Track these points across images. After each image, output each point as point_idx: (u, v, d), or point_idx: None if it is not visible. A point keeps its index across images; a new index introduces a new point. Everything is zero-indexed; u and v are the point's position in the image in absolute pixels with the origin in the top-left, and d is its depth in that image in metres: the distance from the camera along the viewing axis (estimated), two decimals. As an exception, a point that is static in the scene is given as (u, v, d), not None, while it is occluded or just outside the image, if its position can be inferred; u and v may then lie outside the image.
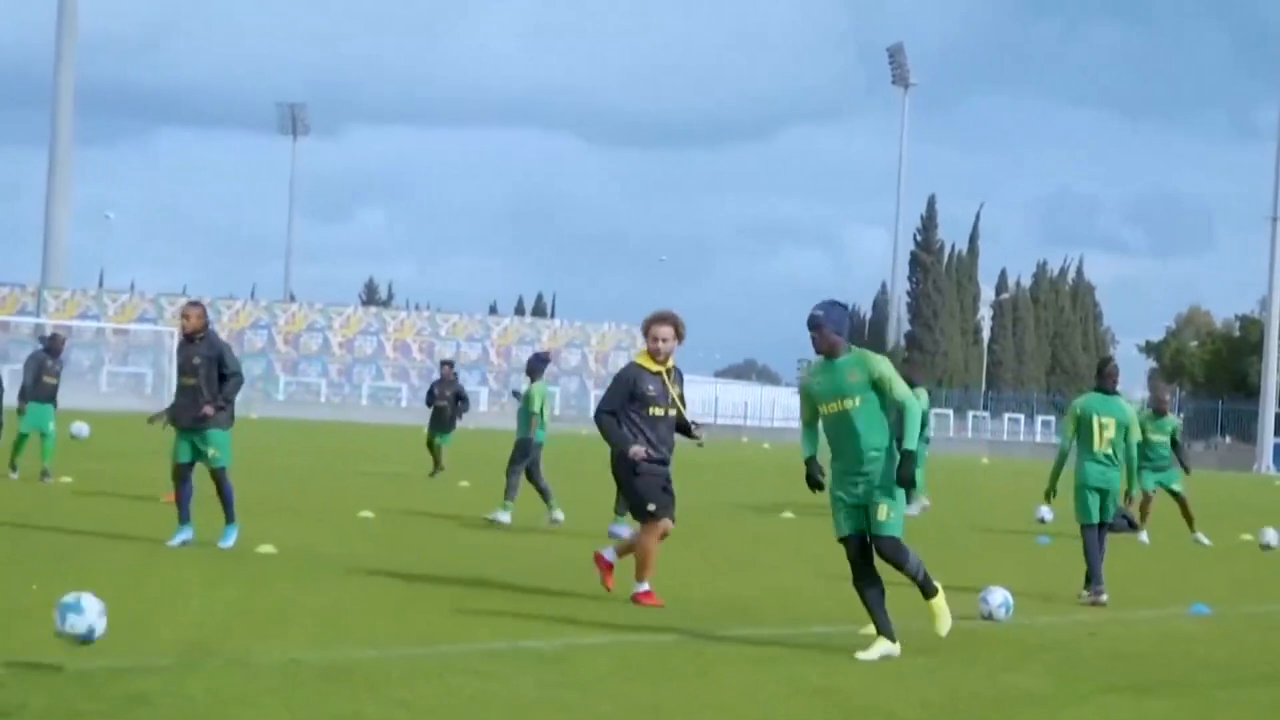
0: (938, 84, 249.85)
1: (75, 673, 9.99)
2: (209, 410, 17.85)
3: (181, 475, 18.05)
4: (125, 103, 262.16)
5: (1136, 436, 17.32)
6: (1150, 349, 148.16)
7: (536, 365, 24.56)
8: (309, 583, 15.30)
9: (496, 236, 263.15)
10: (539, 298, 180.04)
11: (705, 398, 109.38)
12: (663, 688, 10.69)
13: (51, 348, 29.27)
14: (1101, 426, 17.18)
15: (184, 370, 18.16)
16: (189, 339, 18.18)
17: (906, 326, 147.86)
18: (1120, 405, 17.35)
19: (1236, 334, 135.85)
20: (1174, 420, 26.59)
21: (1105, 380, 17.52)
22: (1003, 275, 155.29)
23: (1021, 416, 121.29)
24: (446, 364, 36.53)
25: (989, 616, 14.89)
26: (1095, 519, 17.18)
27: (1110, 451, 17.14)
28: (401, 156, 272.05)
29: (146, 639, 11.57)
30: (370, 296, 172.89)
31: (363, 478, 22.61)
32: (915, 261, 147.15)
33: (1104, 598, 16.80)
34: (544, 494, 23.87)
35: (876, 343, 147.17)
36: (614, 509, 21.54)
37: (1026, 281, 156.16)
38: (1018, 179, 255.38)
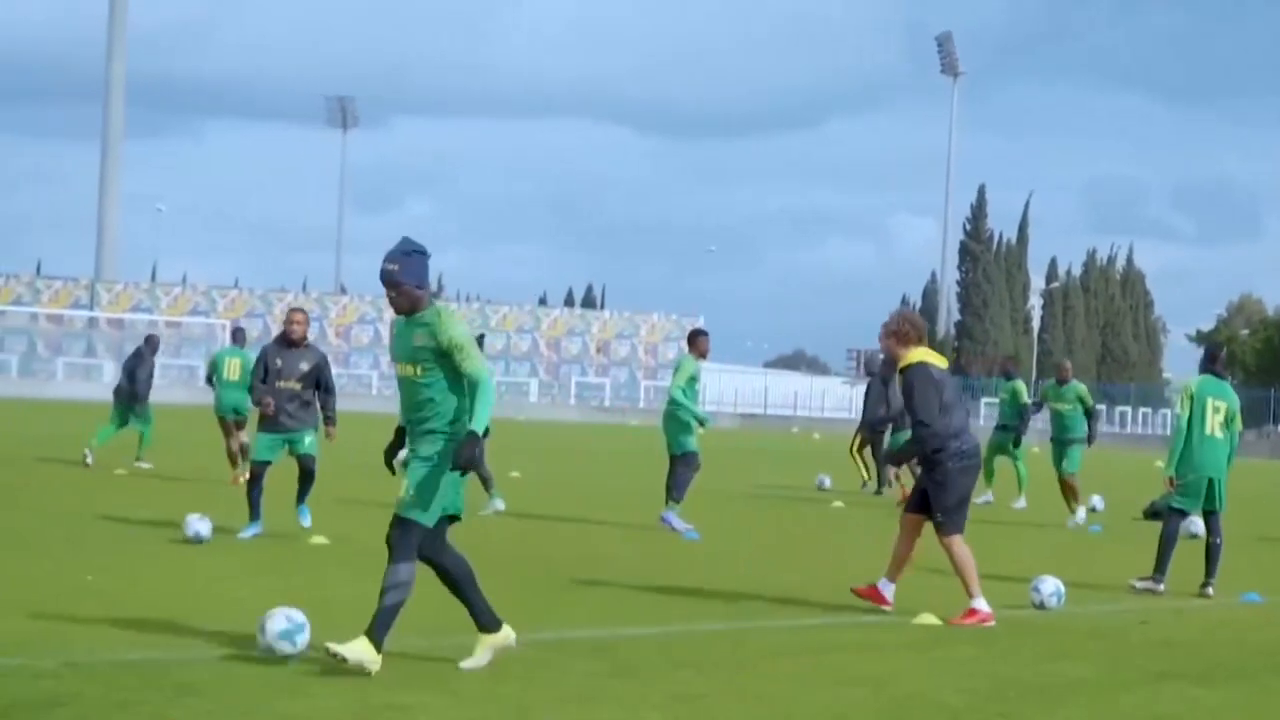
0: (986, 72, 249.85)
1: (127, 663, 10.05)
2: (334, 433, 19.19)
3: (259, 474, 18.40)
4: (176, 96, 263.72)
5: (1239, 426, 17.05)
6: (1201, 338, 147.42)
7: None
8: (358, 573, 15.34)
9: (544, 227, 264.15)
10: (589, 289, 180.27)
11: (755, 388, 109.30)
12: (709, 677, 10.70)
13: (151, 346, 30.87)
14: (1215, 410, 16.77)
15: (287, 374, 18.41)
16: (293, 343, 18.49)
17: (956, 316, 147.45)
18: (1231, 390, 17.07)
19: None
20: (1077, 387, 26.75)
21: (1217, 364, 17.07)
22: (1053, 264, 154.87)
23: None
24: None
25: (1041, 605, 14.87)
26: (1197, 506, 16.81)
27: (1220, 436, 16.82)
28: (449, 148, 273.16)
29: (197, 629, 11.63)
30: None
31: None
32: (965, 251, 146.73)
33: (1162, 588, 16.68)
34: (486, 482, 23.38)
35: (927, 332, 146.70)
36: (666, 498, 21.45)
37: (1077, 270, 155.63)
38: (1066, 167, 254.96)
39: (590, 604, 13.95)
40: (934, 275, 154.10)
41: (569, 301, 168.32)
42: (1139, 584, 16.82)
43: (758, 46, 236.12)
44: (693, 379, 21.42)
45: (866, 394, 32.80)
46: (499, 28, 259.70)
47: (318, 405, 18.77)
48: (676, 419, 21.21)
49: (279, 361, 18.43)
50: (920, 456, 14.16)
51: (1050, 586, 15.02)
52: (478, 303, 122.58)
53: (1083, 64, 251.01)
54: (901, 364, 14.11)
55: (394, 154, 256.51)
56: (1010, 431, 29.67)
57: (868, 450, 32.42)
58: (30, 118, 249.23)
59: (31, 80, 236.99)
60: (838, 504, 28.00)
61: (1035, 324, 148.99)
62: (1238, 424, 16.95)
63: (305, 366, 18.44)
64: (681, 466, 21.21)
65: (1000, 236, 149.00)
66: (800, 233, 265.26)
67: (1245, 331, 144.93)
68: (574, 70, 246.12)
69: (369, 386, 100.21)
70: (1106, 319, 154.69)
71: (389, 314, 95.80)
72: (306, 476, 18.88)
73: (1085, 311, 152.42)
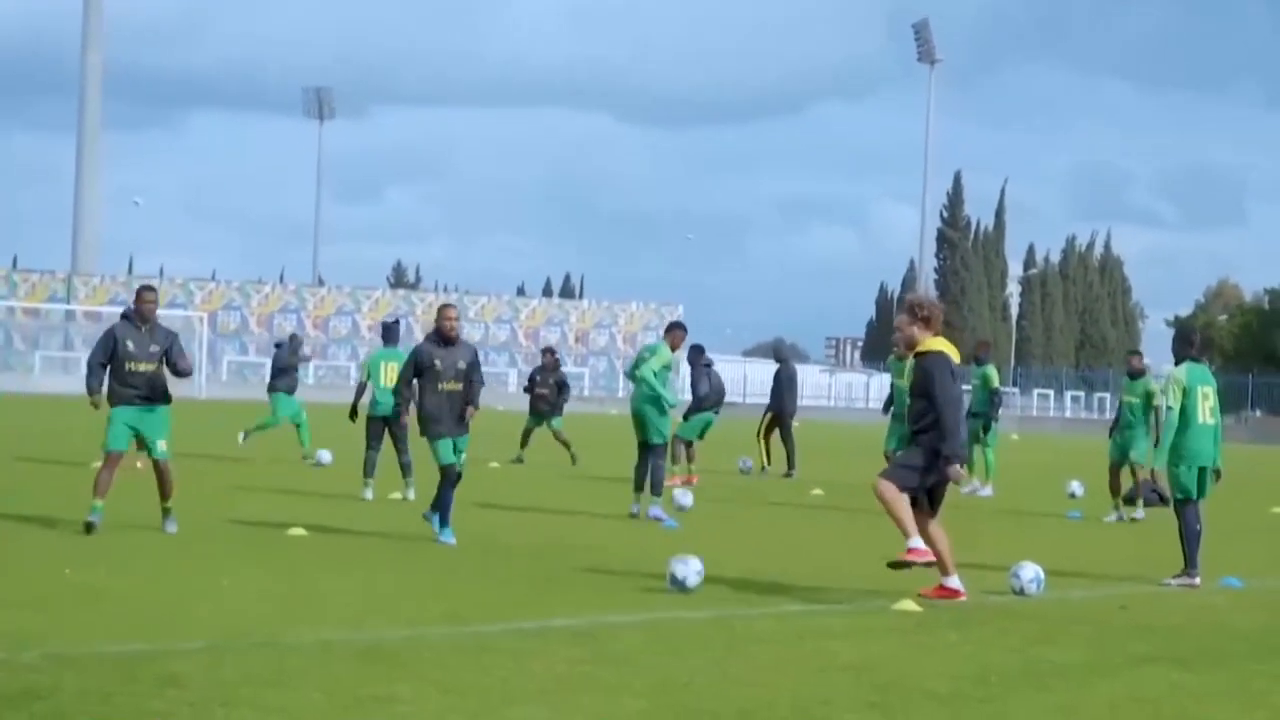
0: (965, 59, 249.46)
1: (108, 655, 10.02)
2: (473, 412, 17.79)
3: (453, 476, 17.67)
4: (153, 88, 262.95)
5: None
6: (1179, 323, 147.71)
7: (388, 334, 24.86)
8: (340, 565, 15.34)
9: (526, 217, 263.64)
10: (567, 278, 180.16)
11: (734, 376, 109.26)
12: (694, 663, 10.70)
13: (293, 346, 31.77)
14: (1204, 397, 16.63)
15: (448, 376, 17.54)
16: (448, 341, 17.67)
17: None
18: (1212, 375, 17.00)
19: (1266, 307, 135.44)
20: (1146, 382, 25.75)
21: (1195, 349, 16.87)
22: (1030, 251, 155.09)
23: (1051, 392, 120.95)
24: (549, 351, 36.04)
25: (1020, 591, 14.88)
26: (1196, 494, 16.61)
27: (1211, 422, 16.68)
28: (430, 138, 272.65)
29: (179, 622, 11.61)
30: (398, 279, 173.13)
31: (394, 461, 22.70)
32: (942, 238, 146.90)
33: (1197, 580, 16.42)
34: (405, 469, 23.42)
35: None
36: (641, 491, 21.40)
37: (1055, 257, 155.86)
38: (1046, 154, 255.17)
39: (572, 592, 13.94)
40: (912, 263, 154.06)
41: (547, 291, 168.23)
42: (1174, 581, 16.42)
43: (740, 37, 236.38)
44: (666, 366, 21.50)
45: (778, 380, 33.09)
46: (483, 16, 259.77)
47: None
48: (656, 406, 21.15)
49: (437, 362, 17.52)
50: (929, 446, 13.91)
51: (1030, 573, 15.02)
52: (455, 292, 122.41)
53: (1061, 50, 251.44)
54: (920, 348, 14.01)
55: (375, 144, 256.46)
56: (980, 418, 29.45)
57: (775, 435, 32.82)
58: (6, 110, 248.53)
59: (7, 72, 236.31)
60: (817, 491, 28.01)
61: (1014, 311, 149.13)
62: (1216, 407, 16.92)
63: (463, 365, 17.58)
64: (657, 458, 21.17)
65: (978, 224, 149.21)
66: (781, 221, 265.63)
67: (1223, 317, 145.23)
68: (556, 59, 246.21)
69: (347, 378, 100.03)
70: (1085, 305, 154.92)
71: (366, 305, 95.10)
72: (450, 487, 17.80)
73: (1063, 298, 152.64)
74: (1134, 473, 25.47)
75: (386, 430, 23.48)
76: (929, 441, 13.85)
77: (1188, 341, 17.03)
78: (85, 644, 10.42)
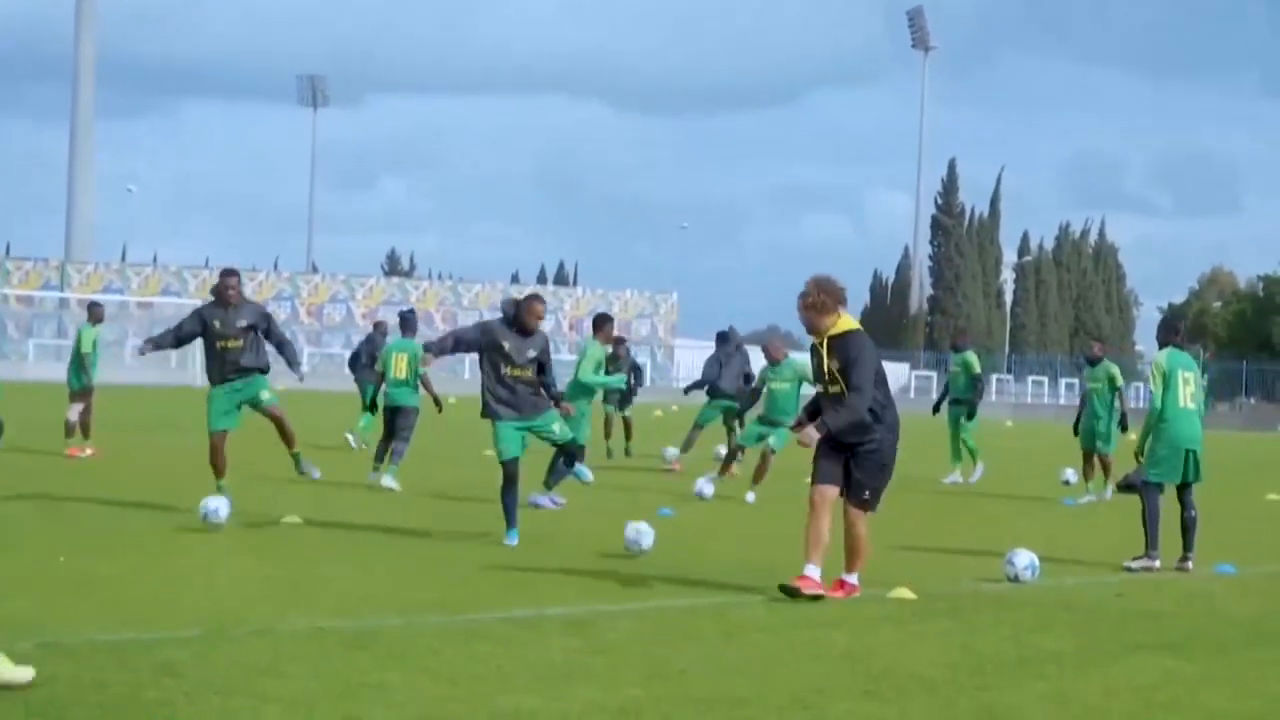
0: (960, 46, 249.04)
1: (103, 644, 10.03)
2: (569, 408, 17.48)
3: (513, 474, 16.91)
4: (146, 76, 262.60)
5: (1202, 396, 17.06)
6: (1174, 311, 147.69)
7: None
8: (334, 553, 15.35)
9: (520, 205, 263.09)
10: (561, 266, 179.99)
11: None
12: (688, 652, 10.71)
13: (380, 331, 31.87)
14: (1185, 382, 16.70)
15: (519, 362, 16.85)
16: (527, 332, 16.99)
17: (929, 291, 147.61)
18: (1195, 361, 17.06)
19: (1260, 294, 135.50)
20: (796, 364, 23.91)
21: (1179, 336, 17.01)
22: (1025, 238, 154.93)
23: (1045, 379, 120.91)
24: (619, 340, 35.00)
25: (1015, 579, 14.90)
26: (1175, 478, 16.71)
27: (1193, 407, 16.72)
28: (424, 126, 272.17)
29: (174, 610, 11.62)
30: (393, 267, 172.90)
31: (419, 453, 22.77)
32: (937, 225, 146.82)
33: (1157, 564, 16.57)
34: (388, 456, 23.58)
35: (900, 307, 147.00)
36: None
37: (1049, 244, 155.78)
38: (1040, 141, 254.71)
39: (567, 581, 13.94)
40: (907, 250, 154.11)
41: (542, 279, 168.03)
42: (1134, 564, 16.59)
43: (734, 23, 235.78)
44: (599, 365, 21.86)
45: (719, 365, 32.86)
46: (477, 3, 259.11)
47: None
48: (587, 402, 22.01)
49: (505, 344, 16.81)
50: (850, 429, 13.33)
51: (1024, 559, 15.04)
52: (450, 280, 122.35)
53: (1055, 37, 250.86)
54: (833, 331, 13.35)
55: (369, 132, 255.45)
56: (963, 405, 29.40)
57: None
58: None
59: (0, 60, 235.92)
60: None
61: (1008, 298, 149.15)
62: (1202, 394, 16.99)
63: (532, 353, 16.90)
64: (568, 456, 20.64)
65: (972, 211, 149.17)
66: (776, 209, 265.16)
67: (1218, 304, 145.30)
68: (550, 47, 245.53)
69: (342, 366, 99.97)
70: (1079, 292, 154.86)
71: (360, 292, 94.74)
72: (569, 460, 18.36)
73: (1057, 285, 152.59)
74: (1102, 460, 25.73)
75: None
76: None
77: (1172, 329, 17.18)
78: (79, 632, 10.42)
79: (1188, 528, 16.84)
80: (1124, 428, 26.03)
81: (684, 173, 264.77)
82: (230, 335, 18.56)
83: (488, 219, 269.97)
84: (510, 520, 16.78)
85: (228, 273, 18.96)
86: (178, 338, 18.99)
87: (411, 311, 25.42)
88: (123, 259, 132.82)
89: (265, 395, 18.65)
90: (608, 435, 33.61)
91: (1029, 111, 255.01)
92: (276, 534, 16.79)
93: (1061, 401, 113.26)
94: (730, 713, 9.00)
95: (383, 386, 24.01)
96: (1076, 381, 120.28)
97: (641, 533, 15.74)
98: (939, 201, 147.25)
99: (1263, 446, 57.60)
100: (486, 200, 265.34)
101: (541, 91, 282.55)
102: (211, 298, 19.09)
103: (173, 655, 9.78)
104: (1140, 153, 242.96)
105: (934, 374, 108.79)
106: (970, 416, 29.14)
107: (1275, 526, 23.08)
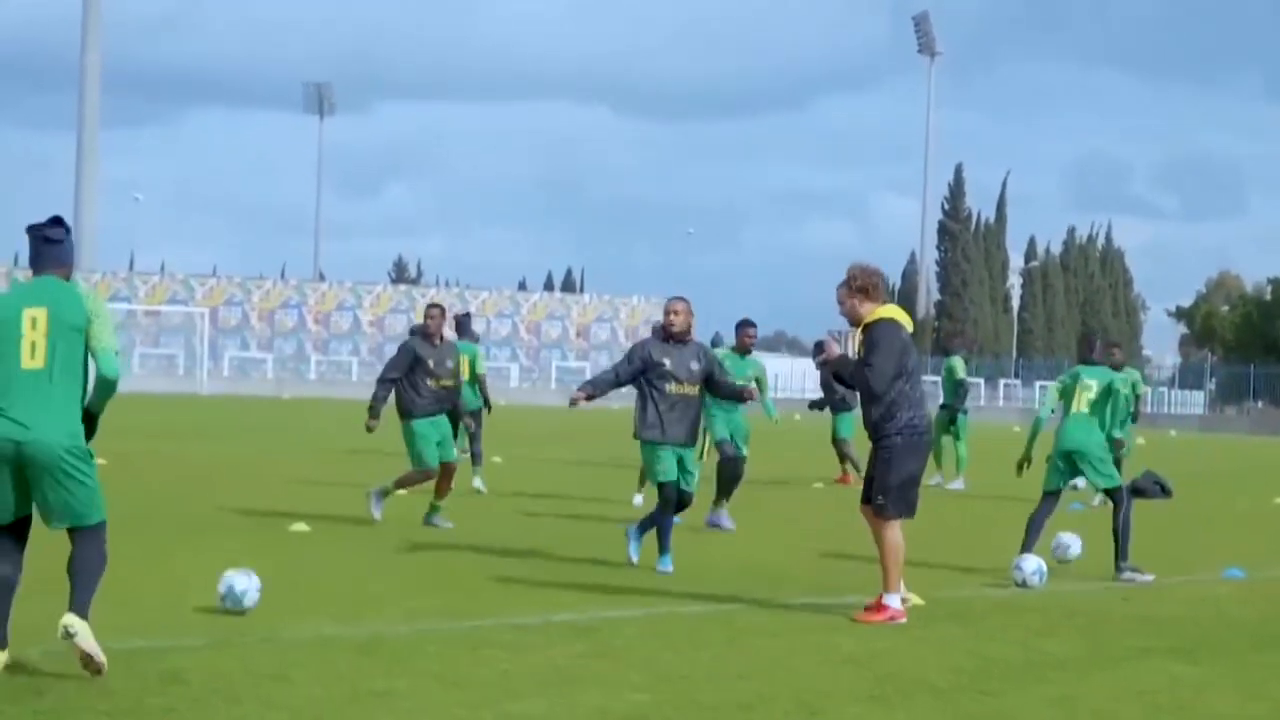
0: (965, 51, 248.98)
1: (110, 651, 10.02)
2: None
3: (671, 498, 15.56)
4: (152, 83, 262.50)
5: (1125, 402, 17.07)
6: (1180, 314, 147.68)
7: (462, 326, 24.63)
8: (341, 559, 15.36)
9: (526, 211, 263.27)
10: (568, 272, 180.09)
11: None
12: (693, 657, 10.72)
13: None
14: (1085, 389, 16.61)
15: (681, 378, 15.49)
16: (678, 339, 15.63)
17: (936, 296, 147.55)
18: (1109, 373, 16.98)
19: (1267, 297, 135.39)
20: (757, 363, 22.14)
21: (1094, 352, 17.21)
22: (1031, 242, 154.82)
23: (1052, 384, 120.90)
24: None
25: (1023, 584, 14.91)
26: (1061, 482, 16.43)
27: (1086, 411, 16.53)
28: (430, 132, 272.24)
29: (180, 617, 11.63)
30: (400, 274, 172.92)
31: (394, 457, 22.68)
32: (943, 230, 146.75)
33: (1132, 574, 16.17)
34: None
35: (907, 312, 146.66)
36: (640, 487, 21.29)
37: (1056, 248, 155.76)
38: (1047, 145, 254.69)
39: (572, 586, 13.95)
40: (913, 255, 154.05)
41: (549, 285, 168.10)
42: (1135, 576, 16.16)
43: (740, 28, 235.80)
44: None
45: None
46: (481, 9, 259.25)
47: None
48: None
49: (666, 362, 15.45)
50: (866, 419, 13.08)
51: (1032, 565, 15.05)
52: (457, 287, 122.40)
53: (1061, 41, 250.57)
54: (869, 318, 12.98)
55: (375, 139, 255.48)
56: (946, 410, 29.40)
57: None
58: (5, 106, 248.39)
59: (7, 69, 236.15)
60: (817, 485, 28.03)
61: (1015, 303, 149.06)
62: (1121, 400, 16.86)
63: (695, 366, 15.56)
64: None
65: (979, 215, 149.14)
66: (783, 213, 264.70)
67: (1225, 308, 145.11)
68: (554, 52, 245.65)
69: (349, 373, 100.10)
70: (1086, 297, 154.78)
71: (367, 300, 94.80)
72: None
73: (1065, 290, 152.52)
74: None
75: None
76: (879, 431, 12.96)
77: (1088, 346, 17.36)
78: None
79: (1118, 535, 16.33)
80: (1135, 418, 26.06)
81: (689, 178, 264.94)
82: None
83: (493, 224, 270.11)
84: (663, 545, 15.63)
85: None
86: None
87: (468, 315, 25.45)
88: (130, 267, 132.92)
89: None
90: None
91: (1034, 115, 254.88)
92: (283, 540, 16.79)
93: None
94: (735, 717, 9.01)
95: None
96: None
97: (1032, 571, 15.13)
98: (945, 206, 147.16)
99: (1271, 451, 57.52)
100: (492, 206, 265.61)
101: (546, 96, 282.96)
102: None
103: (180, 662, 9.79)
104: (1146, 156, 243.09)
105: (939, 379, 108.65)
106: (953, 421, 29.07)
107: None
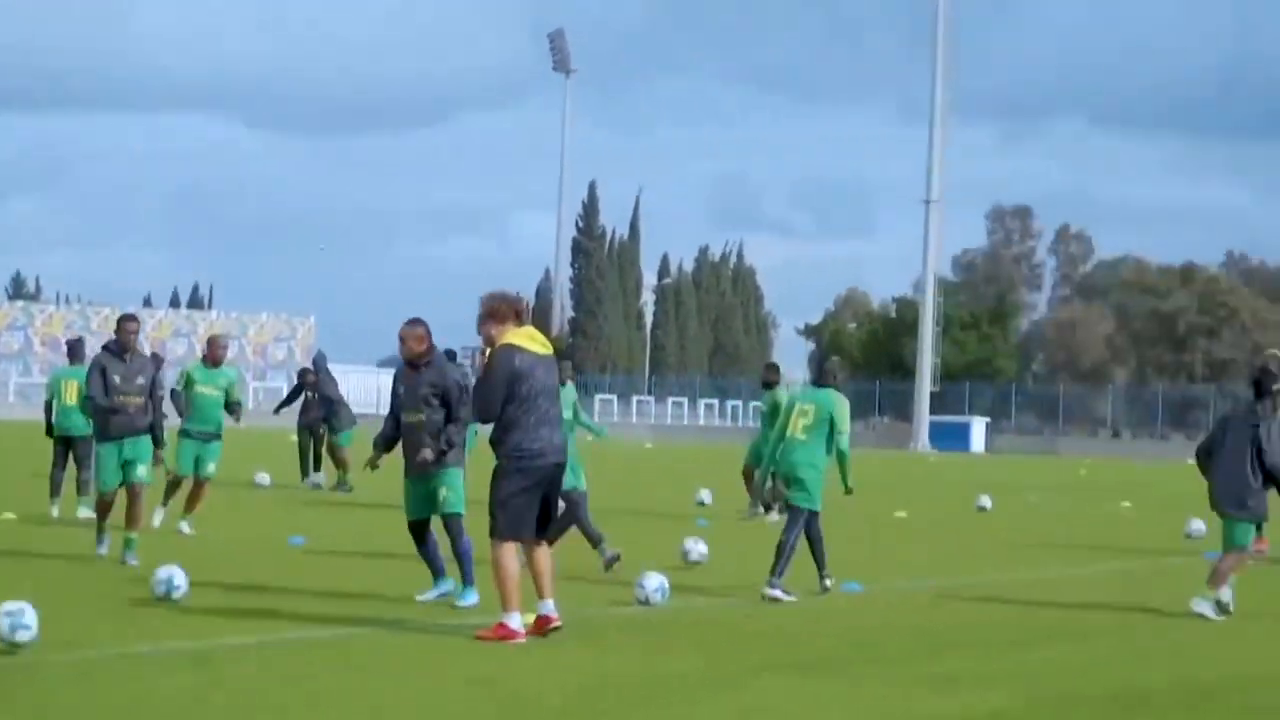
0: (602, 68, 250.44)
1: None
2: (429, 455, 14.73)
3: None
4: None
5: (839, 426, 17.12)
6: (810, 331, 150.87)
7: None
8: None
9: (156, 226, 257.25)
10: (195, 289, 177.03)
11: (368, 387, 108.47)
12: (306, 686, 10.51)
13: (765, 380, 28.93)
14: (801, 414, 16.59)
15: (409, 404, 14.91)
16: (411, 364, 14.96)
17: (570, 313, 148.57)
18: (829, 396, 16.69)
19: (893, 315, 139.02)
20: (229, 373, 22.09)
21: (825, 377, 17.07)
22: (664, 260, 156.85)
23: (685, 400, 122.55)
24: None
25: (645, 601, 14.94)
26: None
27: (803, 436, 16.52)
28: (53, 145, 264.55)
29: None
30: (17, 290, 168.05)
31: (5, 478, 22.01)
32: (578, 247, 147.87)
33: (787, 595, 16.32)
34: None
35: (540, 329, 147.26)
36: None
37: (689, 266, 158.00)
38: (682, 163, 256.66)
39: (190, 614, 13.58)
40: (548, 272, 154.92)
41: (174, 302, 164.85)
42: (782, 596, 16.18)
43: (378, 43, 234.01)
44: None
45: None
46: (113, 19, 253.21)
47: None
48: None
49: (401, 390, 14.96)
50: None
51: (654, 582, 15.09)
52: (79, 304, 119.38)
53: (702, 61, 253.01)
54: (497, 343, 13.08)
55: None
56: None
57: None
58: None
59: None
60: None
61: (648, 320, 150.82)
62: (837, 425, 16.60)
63: (424, 390, 14.90)
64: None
65: (614, 233, 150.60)
66: (422, 229, 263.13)
67: (853, 325, 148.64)
68: (192, 64, 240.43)
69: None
70: (718, 314, 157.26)
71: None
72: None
73: (697, 307, 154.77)
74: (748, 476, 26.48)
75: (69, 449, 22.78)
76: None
77: (822, 371, 17.46)
78: None
79: (782, 551, 16.35)
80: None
81: (325, 193, 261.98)
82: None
83: (120, 240, 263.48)
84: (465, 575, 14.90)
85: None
86: None
87: (80, 340, 24.61)
88: None
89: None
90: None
91: (671, 133, 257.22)
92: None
93: (701, 423, 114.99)
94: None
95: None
96: (716, 402, 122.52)
97: (654, 589, 14.98)
98: (580, 224, 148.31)
99: (894, 465, 59.06)
100: (119, 221, 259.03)
101: (176, 109, 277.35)
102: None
103: None
104: (780, 175, 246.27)
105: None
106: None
107: (903, 543, 23.61)
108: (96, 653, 11.50)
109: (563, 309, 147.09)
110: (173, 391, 21.08)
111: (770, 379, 27.20)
